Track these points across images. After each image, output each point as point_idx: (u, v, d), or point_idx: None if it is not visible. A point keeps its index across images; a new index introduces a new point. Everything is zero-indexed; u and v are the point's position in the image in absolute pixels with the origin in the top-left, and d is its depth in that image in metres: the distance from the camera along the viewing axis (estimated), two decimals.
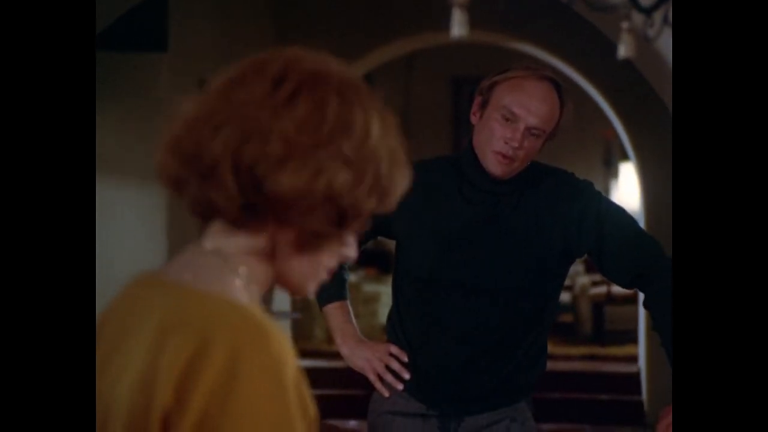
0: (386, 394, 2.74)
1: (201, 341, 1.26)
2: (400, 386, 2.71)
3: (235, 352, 1.26)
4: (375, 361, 2.74)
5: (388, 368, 2.73)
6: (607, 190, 10.68)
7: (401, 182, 1.39)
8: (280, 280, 1.41)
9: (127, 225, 5.13)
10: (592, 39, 4.11)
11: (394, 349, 2.74)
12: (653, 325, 2.64)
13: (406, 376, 2.71)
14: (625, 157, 9.24)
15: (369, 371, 2.74)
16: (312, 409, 1.34)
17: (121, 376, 1.33)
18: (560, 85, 2.64)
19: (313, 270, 1.40)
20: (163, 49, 5.13)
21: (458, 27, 1.58)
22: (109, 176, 5.11)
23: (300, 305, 7.88)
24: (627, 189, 10.25)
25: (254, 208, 1.34)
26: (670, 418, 2.42)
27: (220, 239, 1.38)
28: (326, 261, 1.41)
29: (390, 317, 2.88)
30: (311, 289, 1.43)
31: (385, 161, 1.36)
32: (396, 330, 2.82)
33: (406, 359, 2.72)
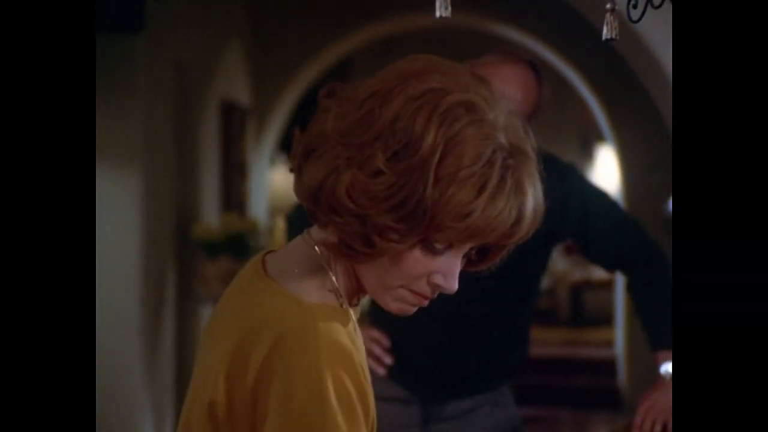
0: None
1: (251, 339, 1.30)
2: (381, 371, 2.69)
3: (274, 356, 1.27)
4: None
5: (369, 353, 2.70)
6: (583, 172, 10.68)
7: (462, 212, 1.25)
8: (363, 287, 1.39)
9: (101, 208, 5.08)
10: (571, 20, 4.10)
11: (375, 334, 2.71)
12: (635, 309, 2.64)
13: (388, 361, 2.68)
14: (601, 139, 9.25)
15: None
16: (370, 416, 1.34)
17: (204, 360, 1.38)
18: (537, 67, 2.62)
19: (382, 284, 1.34)
20: (139, 29, 5.07)
21: (441, 8, 1.54)
22: None
23: None
24: (603, 171, 10.27)
25: (305, 199, 1.33)
26: (650, 401, 2.42)
27: (316, 229, 1.37)
28: (399, 280, 1.33)
29: (373, 301, 2.85)
30: (390, 305, 1.36)
31: (435, 184, 1.23)
32: (379, 314, 2.80)
33: (387, 344, 2.70)
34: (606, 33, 1.57)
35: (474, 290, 2.67)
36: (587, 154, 10.90)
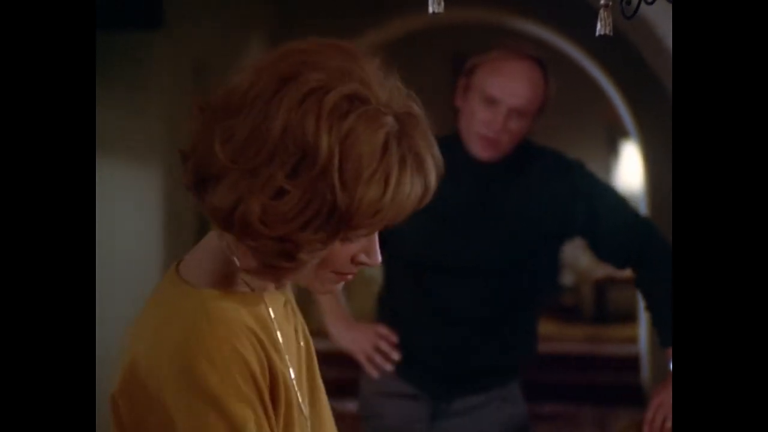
0: (375, 375, 2.72)
1: (148, 329, 1.33)
2: (389, 367, 2.70)
3: (164, 340, 1.30)
4: (363, 342, 2.72)
5: (376, 349, 2.71)
6: (609, 169, 10.67)
7: (374, 209, 1.26)
8: None
9: (121, 206, 5.12)
10: (593, 17, 4.08)
11: (382, 330, 2.72)
12: (646, 305, 2.63)
13: (396, 356, 2.69)
14: (626, 135, 9.21)
15: (357, 352, 2.73)
16: (278, 392, 1.34)
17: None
18: (543, 63, 2.62)
19: (312, 275, 1.35)
20: (158, 27, 5.09)
21: (434, 4, 1.54)
22: (103, 157, 5.08)
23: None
24: (629, 169, 10.23)
25: (214, 220, 1.32)
26: (661, 397, 2.41)
27: None
28: (326, 270, 1.34)
29: (380, 298, 2.87)
30: (318, 289, 1.38)
31: (342, 189, 1.24)
32: (386, 310, 2.82)
33: (395, 340, 2.71)
34: (600, 29, 1.57)
35: (482, 287, 2.68)
36: (613, 150, 10.86)
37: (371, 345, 2.71)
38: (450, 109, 2.74)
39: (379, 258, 1.35)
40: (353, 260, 1.35)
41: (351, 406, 6.80)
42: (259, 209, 1.25)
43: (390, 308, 2.80)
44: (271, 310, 1.41)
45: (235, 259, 1.35)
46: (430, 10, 1.55)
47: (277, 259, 1.28)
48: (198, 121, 1.31)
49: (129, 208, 5.01)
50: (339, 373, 7.17)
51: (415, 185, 1.28)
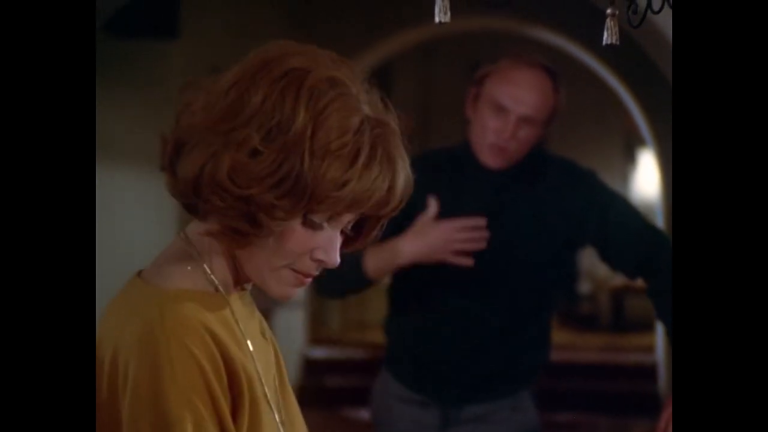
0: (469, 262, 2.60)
1: (114, 333, 1.37)
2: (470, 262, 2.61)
3: (123, 350, 1.34)
4: (450, 242, 2.58)
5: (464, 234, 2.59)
6: (626, 179, 10.65)
7: (339, 182, 1.31)
8: (246, 273, 1.43)
9: (141, 213, 5.15)
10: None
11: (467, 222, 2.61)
12: (657, 315, 2.63)
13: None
14: (644, 144, 9.21)
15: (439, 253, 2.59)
16: (236, 387, 1.35)
17: None
18: (553, 71, 2.62)
19: (268, 266, 1.38)
20: (176, 36, 5.12)
21: (440, 13, 1.55)
22: (124, 165, 5.12)
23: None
24: (646, 178, 10.22)
25: (182, 193, 1.37)
26: (672, 409, 2.40)
27: (192, 224, 1.44)
28: (284, 260, 1.38)
29: (391, 305, 2.87)
30: (274, 289, 1.41)
31: (311, 157, 1.29)
32: (393, 321, 2.82)
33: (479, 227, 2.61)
34: (606, 38, 1.57)
35: (492, 295, 2.68)
36: (630, 159, 10.85)
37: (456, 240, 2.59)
38: (461, 120, 2.74)
39: (338, 258, 1.39)
40: (312, 257, 1.38)
41: (363, 414, 6.82)
42: (227, 165, 1.30)
43: (398, 319, 2.81)
44: (234, 307, 1.42)
45: (199, 256, 1.40)
46: (437, 19, 1.56)
47: (240, 222, 1.32)
48: (182, 100, 1.38)
49: (145, 210, 5.03)
50: (350, 381, 7.21)
51: (383, 176, 1.34)
